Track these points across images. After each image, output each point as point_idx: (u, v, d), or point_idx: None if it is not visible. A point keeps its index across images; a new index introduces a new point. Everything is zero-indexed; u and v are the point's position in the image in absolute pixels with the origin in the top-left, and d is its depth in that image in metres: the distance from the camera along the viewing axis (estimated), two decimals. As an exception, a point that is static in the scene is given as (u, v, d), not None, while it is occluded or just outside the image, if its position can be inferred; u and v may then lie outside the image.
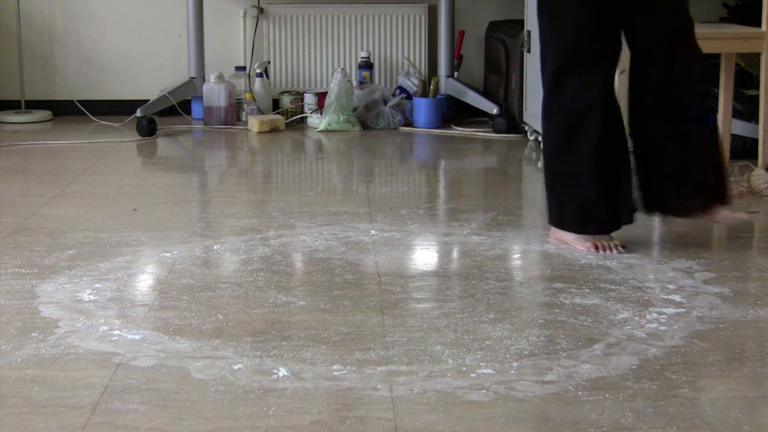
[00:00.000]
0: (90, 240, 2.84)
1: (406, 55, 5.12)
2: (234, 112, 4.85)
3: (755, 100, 3.89)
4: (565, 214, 2.78)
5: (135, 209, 3.21)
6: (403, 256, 2.73)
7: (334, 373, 1.90)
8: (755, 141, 3.82)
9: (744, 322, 2.19)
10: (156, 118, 4.70)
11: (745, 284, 2.46)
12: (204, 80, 4.86)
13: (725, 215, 2.73)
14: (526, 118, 4.46)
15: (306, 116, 4.92)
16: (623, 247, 2.72)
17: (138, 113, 4.62)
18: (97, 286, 2.44)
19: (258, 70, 4.98)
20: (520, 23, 4.49)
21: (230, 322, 2.19)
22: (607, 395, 1.81)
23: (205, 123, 4.84)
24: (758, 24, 3.67)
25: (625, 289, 2.42)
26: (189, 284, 2.45)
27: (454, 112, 4.99)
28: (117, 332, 2.12)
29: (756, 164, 3.60)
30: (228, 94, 4.80)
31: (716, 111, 3.54)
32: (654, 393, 1.82)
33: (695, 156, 2.72)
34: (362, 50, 5.07)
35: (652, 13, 2.68)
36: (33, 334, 2.11)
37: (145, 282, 2.51)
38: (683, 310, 2.27)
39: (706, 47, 2.83)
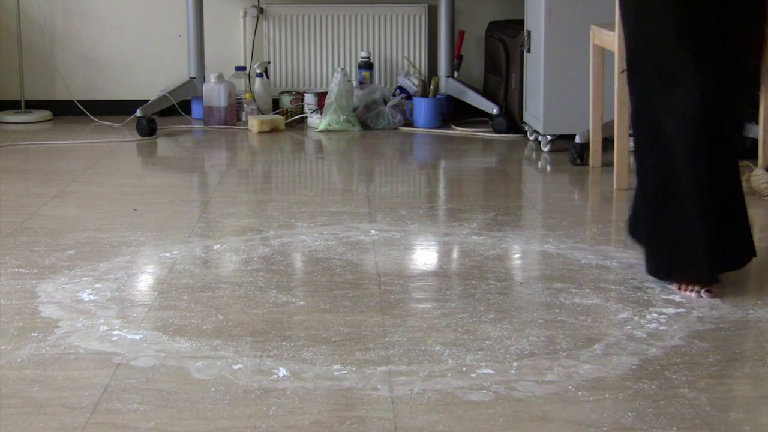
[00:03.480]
0: (90, 240, 2.84)
1: (406, 55, 5.12)
2: (234, 112, 4.85)
3: (755, 100, 3.89)
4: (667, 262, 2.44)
5: (135, 209, 3.21)
6: (403, 256, 2.73)
7: (334, 373, 1.90)
8: (755, 141, 3.82)
9: (744, 322, 2.19)
10: (156, 118, 4.70)
11: (745, 284, 2.46)
12: (204, 80, 4.85)
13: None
14: (526, 118, 4.46)
15: (306, 116, 4.92)
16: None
17: (138, 113, 4.61)
18: (97, 286, 2.44)
19: (258, 70, 4.98)
20: (520, 23, 4.49)
21: (230, 322, 2.19)
22: (607, 395, 1.81)
23: (205, 123, 4.84)
24: (758, 24, 3.66)
25: (625, 289, 2.41)
26: (189, 284, 2.45)
27: (454, 112, 4.99)
28: (117, 332, 2.12)
29: (756, 164, 3.60)
30: (228, 94, 4.80)
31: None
32: (654, 393, 1.82)
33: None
34: (362, 50, 5.07)
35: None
36: (33, 334, 2.11)
37: (145, 282, 2.51)
38: (683, 310, 2.27)
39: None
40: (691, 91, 2.32)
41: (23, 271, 2.55)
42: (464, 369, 1.92)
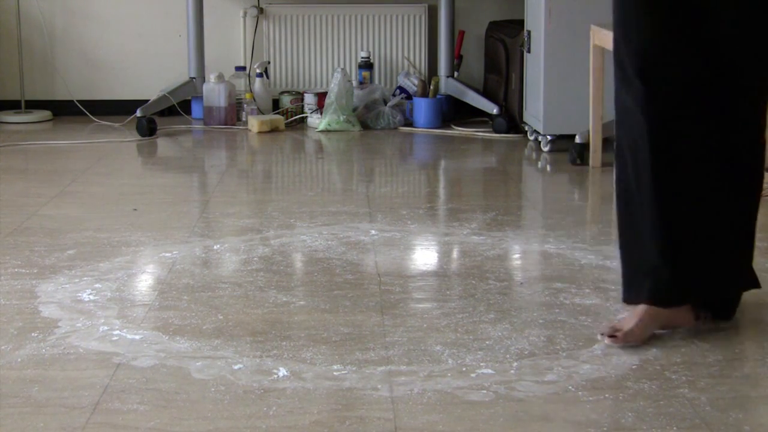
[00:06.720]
0: (90, 240, 2.84)
1: (406, 55, 5.12)
2: (234, 112, 4.85)
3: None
4: (634, 282, 2.16)
5: (135, 209, 3.21)
6: (403, 256, 2.73)
7: (334, 373, 1.90)
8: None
9: (744, 322, 2.19)
10: (156, 118, 4.70)
11: (745, 284, 2.45)
12: (204, 80, 4.85)
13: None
14: (526, 118, 4.46)
15: (306, 116, 4.92)
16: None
17: (138, 113, 4.61)
18: (97, 286, 2.44)
19: (258, 70, 4.98)
20: (520, 23, 4.49)
21: (230, 322, 2.19)
22: (607, 395, 1.81)
23: (205, 123, 4.84)
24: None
25: (625, 289, 2.41)
26: (189, 284, 2.45)
27: (454, 112, 4.99)
28: (117, 332, 2.12)
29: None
30: (228, 94, 4.80)
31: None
32: (654, 393, 1.82)
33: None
34: (362, 50, 5.07)
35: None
36: (33, 334, 2.11)
37: (145, 282, 2.51)
38: (683, 310, 2.26)
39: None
40: (637, 92, 2.08)
41: (23, 271, 2.55)
42: (464, 369, 1.92)
